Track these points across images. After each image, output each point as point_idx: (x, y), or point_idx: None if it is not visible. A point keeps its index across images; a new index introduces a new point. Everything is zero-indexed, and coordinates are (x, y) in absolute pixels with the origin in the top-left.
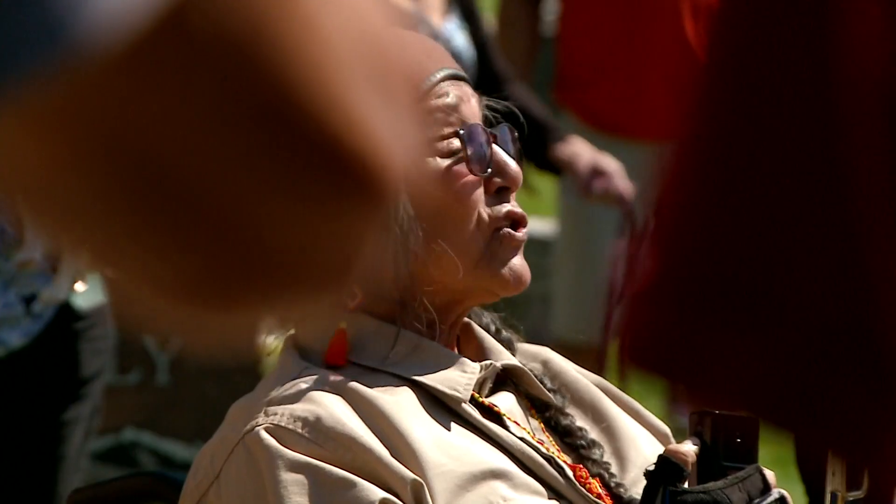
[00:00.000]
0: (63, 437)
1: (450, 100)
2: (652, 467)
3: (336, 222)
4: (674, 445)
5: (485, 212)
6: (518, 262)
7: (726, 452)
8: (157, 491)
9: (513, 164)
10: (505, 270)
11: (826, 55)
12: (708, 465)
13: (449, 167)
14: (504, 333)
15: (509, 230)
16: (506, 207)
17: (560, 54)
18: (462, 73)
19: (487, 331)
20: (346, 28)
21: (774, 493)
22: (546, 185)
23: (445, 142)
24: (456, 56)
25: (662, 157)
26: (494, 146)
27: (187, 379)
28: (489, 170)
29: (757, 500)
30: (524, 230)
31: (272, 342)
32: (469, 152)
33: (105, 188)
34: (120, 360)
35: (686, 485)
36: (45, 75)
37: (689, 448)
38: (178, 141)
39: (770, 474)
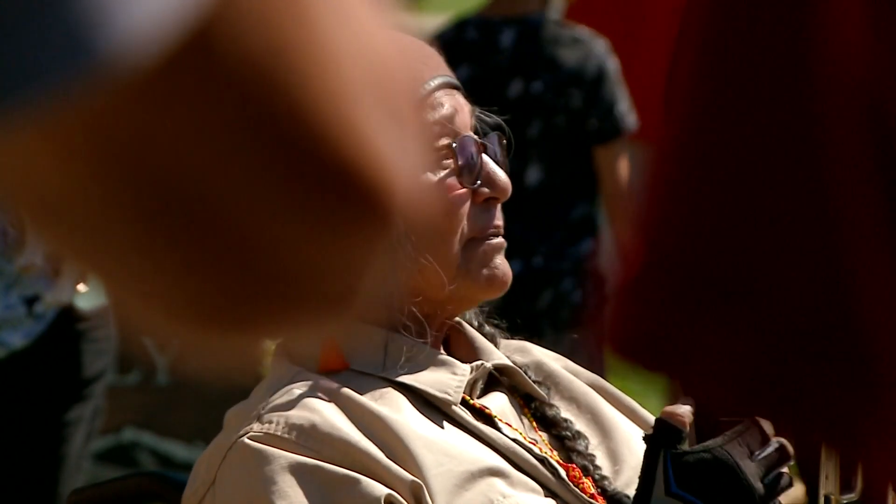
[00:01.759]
0: (65, 437)
1: (444, 111)
2: (650, 432)
3: (344, 244)
4: (669, 407)
5: (467, 225)
6: (500, 261)
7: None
8: (157, 491)
9: (502, 175)
10: (486, 272)
11: (807, 54)
12: (705, 424)
13: (440, 180)
14: (487, 328)
15: (486, 238)
16: (488, 222)
17: None
18: (456, 82)
19: (470, 325)
20: (357, 50)
21: (774, 444)
22: None
23: (438, 154)
24: None
25: (651, 155)
26: (484, 156)
27: (187, 379)
28: (478, 181)
29: (758, 452)
30: (500, 237)
31: (271, 345)
32: (460, 164)
33: (119, 207)
34: (120, 360)
35: (686, 446)
36: (66, 91)
37: (684, 409)
38: (193, 161)
39: (767, 424)
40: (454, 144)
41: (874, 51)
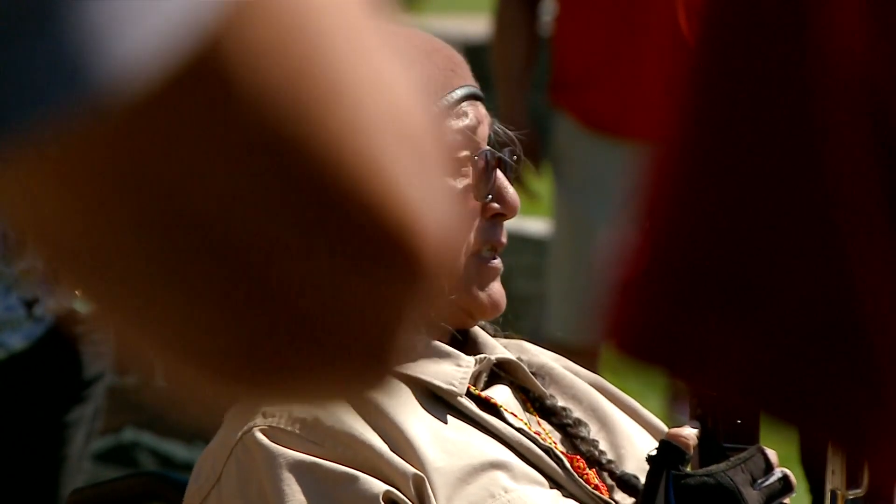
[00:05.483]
0: (64, 438)
1: (469, 121)
2: (654, 452)
3: (376, 293)
4: (675, 429)
5: (473, 238)
6: (497, 287)
7: (727, 434)
8: (157, 491)
9: (512, 193)
10: (483, 294)
11: (808, 52)
12: (709, 448)
13: (456, 191)
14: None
15: (487, 258)
16: (493, 237)
17: (555, 55)
18: (480, 93)
19: None
20: (374, 83)
21: (777, 473)
22: (543, 187)
23: (457, 164)
24: None
25: (654, 152)
26: (498, 172)
27: None
28: (489, 196)
29: (760, 480)
30: (498, 260)
31: None
32: (476, 178)
33: (126, 240)
34: (120, 360)
35: (689, 468)
36: (64, 117)
37: (690, 431)
38: (203, 193)
39: (772, 453)
40: (475, 157)
41: (875, 49)
